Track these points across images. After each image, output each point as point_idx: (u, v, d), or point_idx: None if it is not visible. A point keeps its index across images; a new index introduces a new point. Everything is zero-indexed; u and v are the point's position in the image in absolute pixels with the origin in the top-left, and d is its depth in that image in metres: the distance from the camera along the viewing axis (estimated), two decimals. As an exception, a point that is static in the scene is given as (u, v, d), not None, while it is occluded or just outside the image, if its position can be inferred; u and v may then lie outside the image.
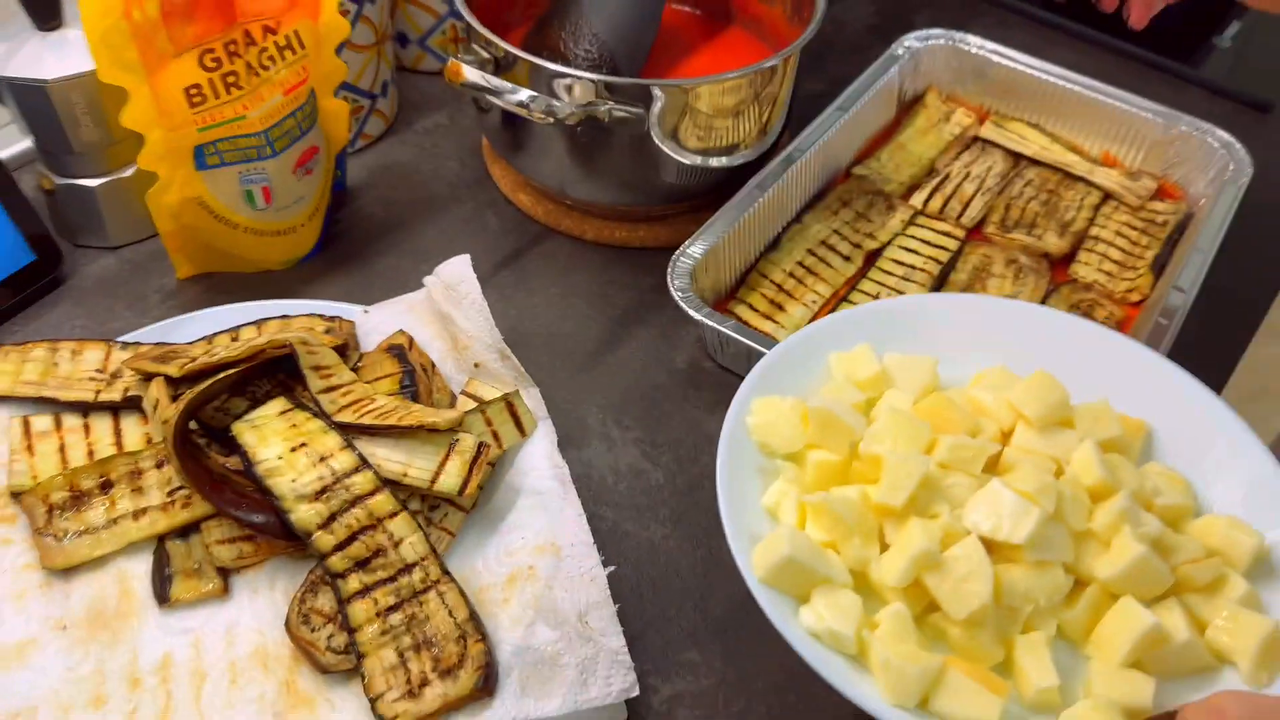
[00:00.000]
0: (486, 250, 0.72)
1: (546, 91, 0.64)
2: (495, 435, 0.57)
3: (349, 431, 0.54)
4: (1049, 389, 0.49)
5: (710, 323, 0.61)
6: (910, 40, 0.81)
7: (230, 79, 0.60)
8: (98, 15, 0.54)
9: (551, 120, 0.62)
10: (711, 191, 0.72)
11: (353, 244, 0.72)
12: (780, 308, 0.69)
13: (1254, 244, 0.76)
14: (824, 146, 0.74)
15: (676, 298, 0.62)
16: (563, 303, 0.70)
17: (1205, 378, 0.67)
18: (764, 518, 0.47)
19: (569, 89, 0.64)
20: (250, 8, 0.60)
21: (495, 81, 0.62)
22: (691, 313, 0.62)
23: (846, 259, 0.72)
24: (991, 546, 0.44)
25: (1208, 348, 0.69)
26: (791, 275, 0.71)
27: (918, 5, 0.96)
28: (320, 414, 0.55)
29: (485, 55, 0.66)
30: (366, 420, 0.54)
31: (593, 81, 0.63)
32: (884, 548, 0.45)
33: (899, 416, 0.48)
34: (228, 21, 0.59)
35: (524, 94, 0.62)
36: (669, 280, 0.63)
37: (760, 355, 0.61)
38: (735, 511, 0.46)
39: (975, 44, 0.82)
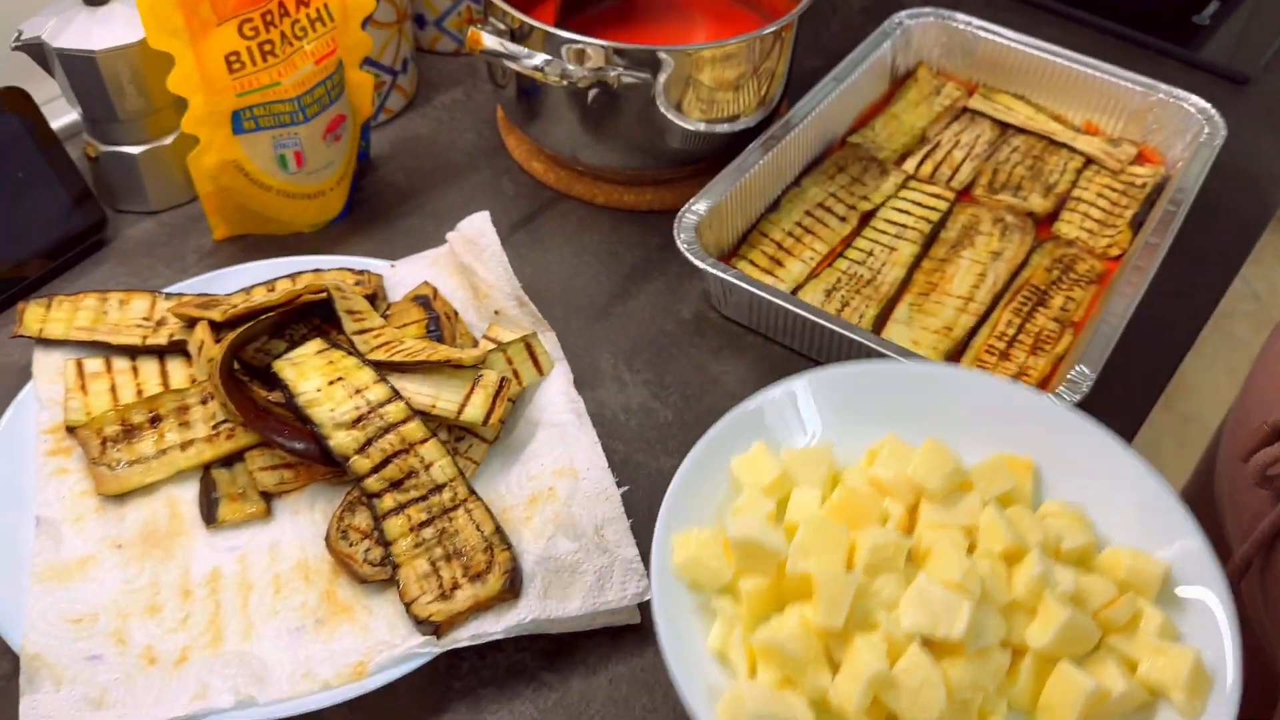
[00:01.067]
0: (502, 213, 0.77)
1: (560, 59, 0.69)
2: (515, 373, 0.61)
3: (381, 368, 0.59)
4: (942, 458, 0.50)
5: (715, 271, 0.66)
6: (902, 17, 0.86)
7: (266, 47, 0.65)
8: (147, -15, 0.59)
9: (565, 83, 0.66)
10: (714, 157, 0.77)
11: (377, 208, 0.77)
12: (780, 263, 0.73)
13: (1227, 203, 0.81)
14: (820, 115, 0.79)
15: (683, 249, 0.67)
16: (575, 260, 0.74)
17: (1176, 333, 0.72)
18: (714, 664, 0.47)
19: (581, 55, 0.68)
20: (285, -19, 0.64)
21: (513, 47, 0.66)
22: (697, 262, 0.66)
23: (842, 219, 0.77)
24: (931, 643, 0.45)
25: (1180, 303, 0.74)
26: (790, 234, 0.75)
27: (910, -13, 1.01)
28: (354, 353, 0.59)
29: (502, 27, 0.71)
30: (397, 358, 0.59)
31: (603, 47, 0.68)
32: (833, 666, 0.46)
33: (817, 528, 0.47)
34: (265, -7, 0.64)
35: (540, 58, 0.66)
36: (675, 234, 0.67)
37: (763, 303, 0.65)
38: (684, 664, 0.45)
39: (963, 20, 0.86)
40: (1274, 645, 0.57)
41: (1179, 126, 0.80)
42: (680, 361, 0.68)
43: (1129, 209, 0.77)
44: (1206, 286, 0.75)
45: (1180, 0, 1.01)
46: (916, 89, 0.87)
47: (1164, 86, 0.81)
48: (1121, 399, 0.66)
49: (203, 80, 0.64)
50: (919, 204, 0.77)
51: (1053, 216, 0.77)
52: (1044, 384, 0.66)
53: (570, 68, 0.66)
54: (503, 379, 0.58)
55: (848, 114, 0.83)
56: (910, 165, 0.81)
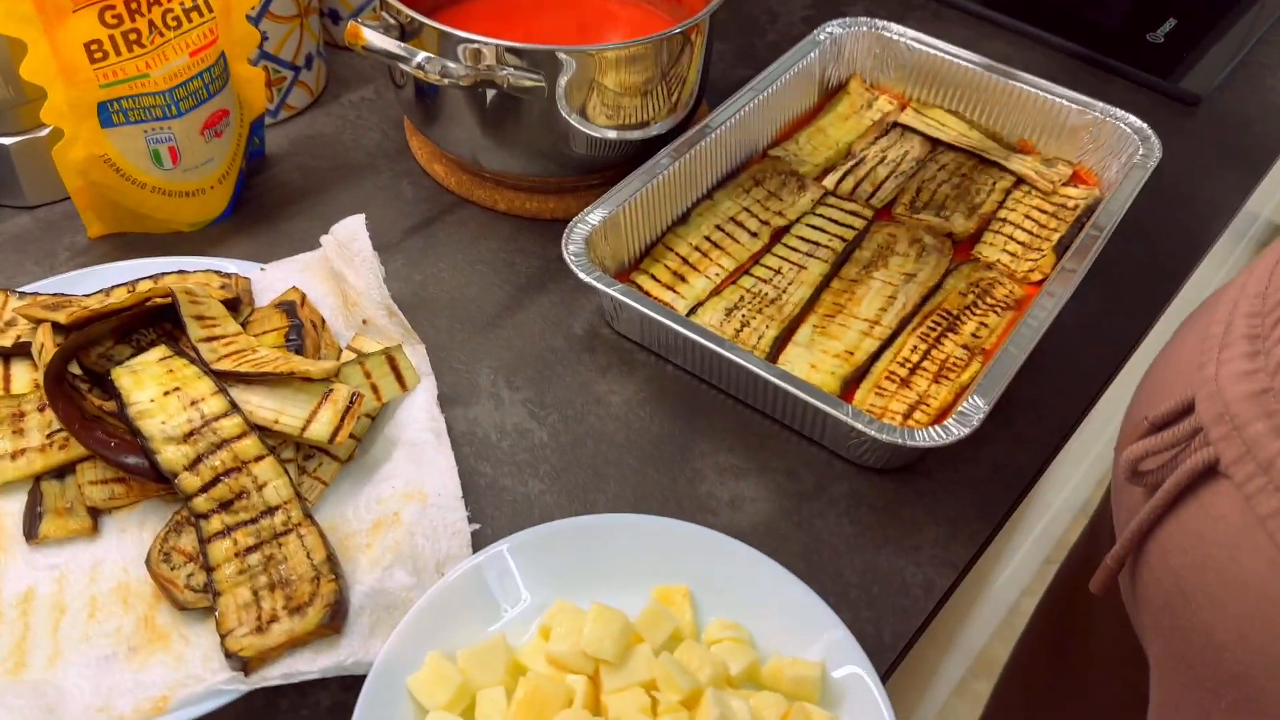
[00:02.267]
0: (398, 217, 0.73)
1: (452, 58, 0.65)
2: (375, 388, 0.58)
3: (226, 379, 0.55)
4: (609, 620, 0.48)
5: (601, 286, 0.62)
6: (832, 26, 0.82)
7: (132, 36, 0.61)
8: (-8, -34, 0.56)
9: (447, 82, 0.63)
10: (625, 164, 0.73)
11: (265, 208, 0.73)
12: (683, 279, 0.70)
13: (1163, 228, 0.77)
14: (739, 125, 0.75)
15: (569, 261, 0.63)
16: (469, 270, 0.71)
17: (1105, 357, 0.68)
18: None
19: (474, 55, 0.65)
20: (153, -33, 0.61)
21: (392, 44, 0.63)
22: (583, 276, 0.62)
23: (754, 235, 0.73)
24: None
25: (1109, 327, 0.70)
26: (697, 249, 0.71)
27: (852, -3, 0.98)
28: (199, 361, 0.56)
29: (392, 22, 0.67)
30: (244, 369, 0.55)
31: (495, 46, 0.64)
32: None
33: None
34: (130, -21, 0.60)
35: (421, 56, 0.63)
36: (563, 245, 0.64)
37: (654, 322, 0.61)
38: None
39: (897, 31, 0.82)
40: (1146, 646, 0.53)
41: (1115, 146, 0.76)
42: (565, 379, 0.64)
43: (1056, 232, 0.74)
44: (1131, 315, 0.71)
45: (1136, 17, 0.97)
46: (847, 102, 0.84)
47: (1100, 105, 0.77)
48: (1029, 433, 0.63)
49: (60, 69, 0.60)
50: (834, 221, 0.74)
51: (975, 238, 0.74)
52: (943, 414, 0.62)
53: (452, 66, 0.63)
54: (355, 394, 0.55)
55: (771, 125, 0.80)
56: (830, 181, 0.77)
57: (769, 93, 0.77)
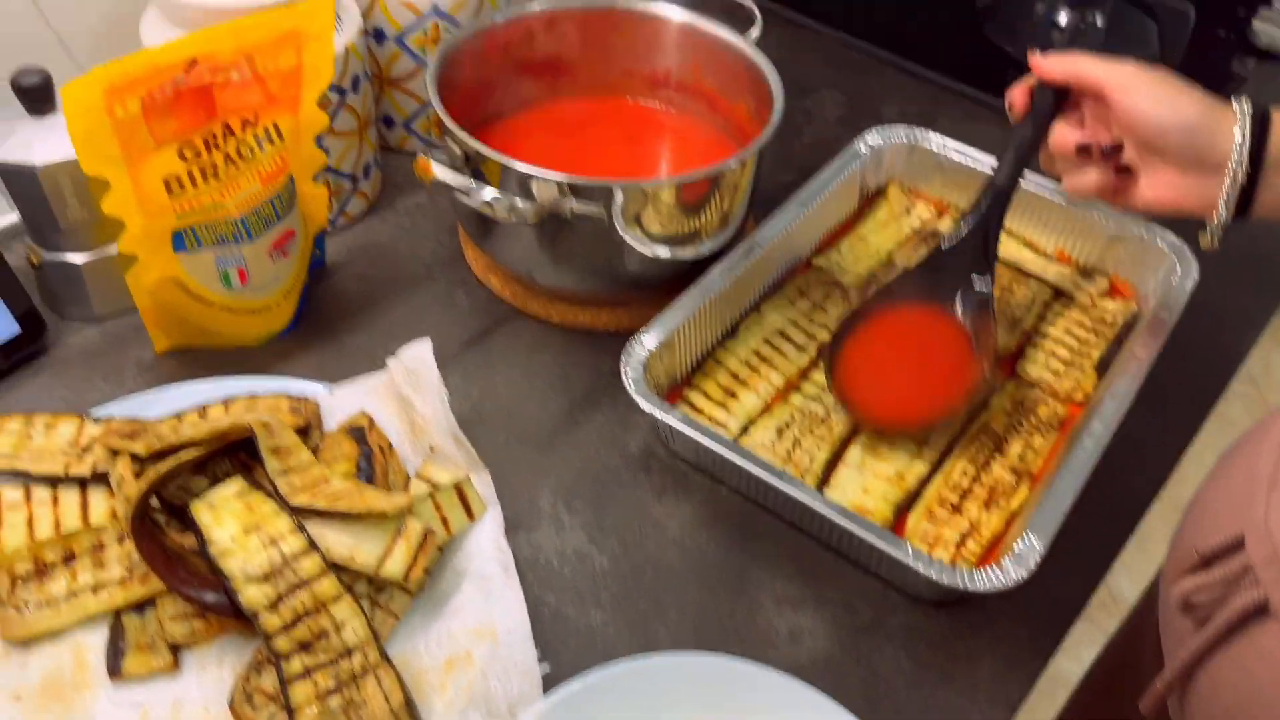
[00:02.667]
0: (455, 329, 0.75)
1: (514, 186, 0.67)
2: (444, 520, 0.59)
3: (302, 514, 0.57)
4: None
5: (658, 413, 0.64)
6: (872, 136, 0.85)
7: (208, 170, 0.63)
8: (81, 112, 0.58)
9: (514, 219, 0.65)
10: (676, 279, 0.75)
11: (327, 320, 0.75)
12: (733, 395, 0.71)
13: (1196, 344, 0.78)
14: (785, 238, 0.77)
15: (629, 387, 0.65)
16: (525, 383, 0.72)
17: (1145, 480, 0.70)
18: None
19: (534, 186, 0.67)
20: (230, 104, 0.63)
21: (461, 180, 0.65)
22: (641, 403, 0.64)
23: (800, 349, 0.75)
24: None
25: (1148, 447, 0.71)
26: (746, 364, 0.73)
27: (886, 96, 1.00)
28: (275, 495, 0.57)
29: (457, 151, 0.69)
30: (319, 504, 0.57)
31: (556, 181, 0.66)
32: None
33: None
34: (208, 116, 0.62)
35: (489, 193, 0.65)
36: (622, 369, 0.65)
37: (706, 450, 0.63)
38: None
39: (936, 141, 0.85)
40: None
41: (1151, 262, 0.78)
42: (622, 501, 0.66)
43: (1096, 348, 0.75)
44: (1169, 434, 0.73)
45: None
46: (886, 208, 0.86)
47: (1137, 220, 0.79)
48: (1076, 561, 0.64)
49: (140, 202, 0.62)
50: (880, 335, 0.76)
51: (1017, 354, 0.76)
52: (995, 543, 0.64)
53: (520, 203, 0.65)
54: (427, 531, 0.56)
55: (814, 234, 0.82)
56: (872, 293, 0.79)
57: (812, 206, 0.79)
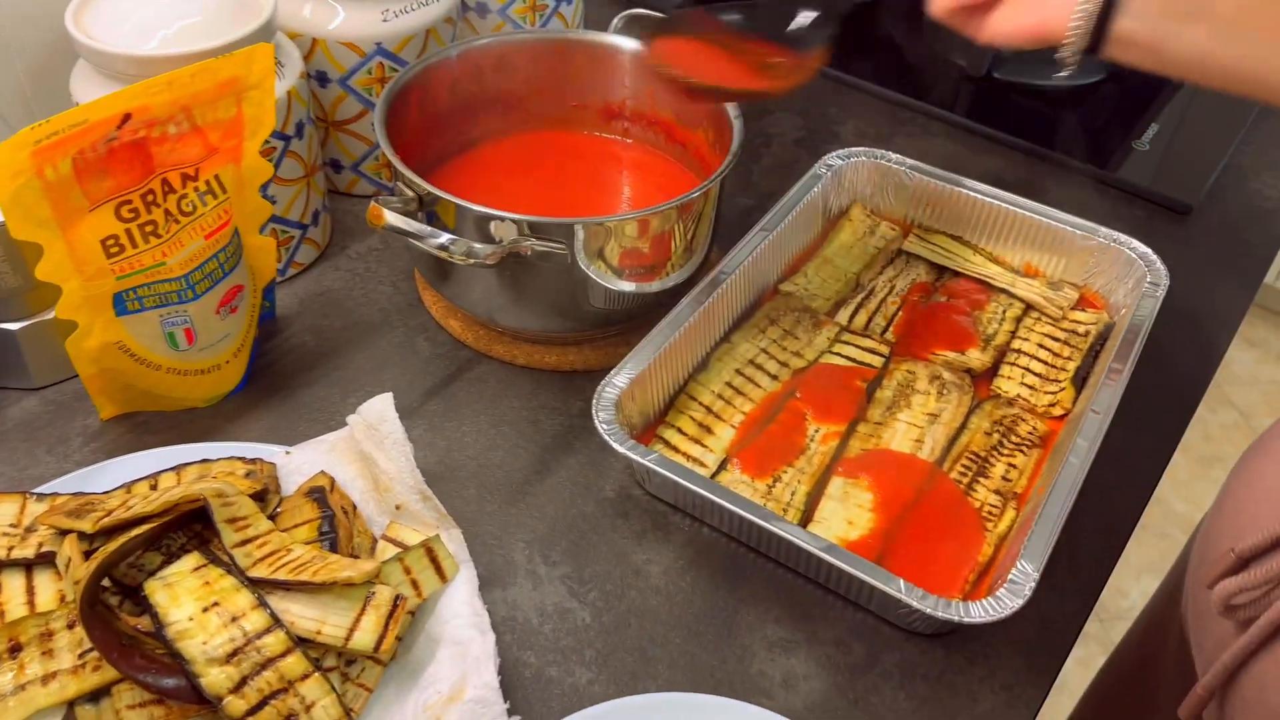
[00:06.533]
0: (416, 377, 0.73)
1: (471, 228, 0.65)
2: (415, 583, 0.56)
3: (263, 587, 0.54)
4: None
5: (633, 456, 0.62)
6: (833, 158, 0.83)
7: (148, 228, 0.60)
8: (8, 175, 0.54)
9: (472, 263, 0.63)
10: (643, 313, 0.73)
11: (281, 375, 0.72)
12: (709, 430, 0.69)
13: (1171, 350, 0.78)
14: (750, 266, 0.75)
15: (601, 430, 0.62)
16: (492, 431, 0.70)
17: (1132, 493, 0.68)
18: None
19: (493, 227, 0.65)
20: (169, 158, 0.60)
21: (415, 225, 0.62)
22: (616, 446, 0.62)
23: (774, 378, 0.73)
24: None
25: (1132, 458, 0.70)
26: (720, 396, 0.71)
27: (842, 116, 0.99)
28: (234, 569, 0.54)
29: (410, 193, 0.67)
30: (281, 575, 0.54)
31: (515, 221, 0.64)
32: None
33: None
34: (145, 172, 0.60)
35: (444, 238, 0.62)
36: (593, 411, 0.63)
37: (684, 487, 0.61)
38: None
39: (896, 160, 0.84)
40: None
41: (1120, 271, 0.78)
42: (601, 549, 0.63)
43: (1072, 360, 0.74)
44: (1153, 443, 0.72)
45: (1120, 125, 1.00)
46: (850, 229, 0.84)
47: (1104, 230, 0.78)
48: (1068, 581, 0.63)
49: (77, 266, 0.59)
50: (853, 359, 0.74)
51: (992, 370, 0.74)
52: (987, 569, 0.62)
53: (478, 246, 0.62)
54: (398, 597, 0.54)
55: (780, 260, 0.80)
56: (844, 316, 0.78)
57: (776, 231, 0.77)
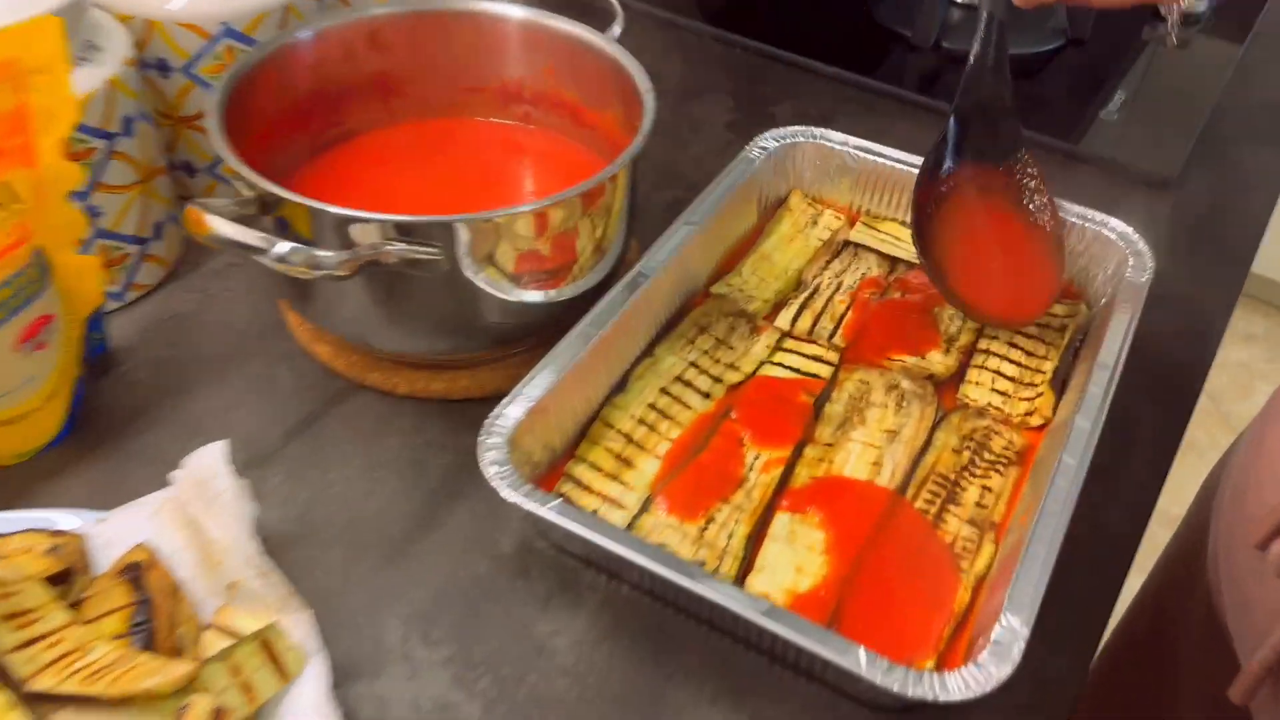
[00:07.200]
0: (276, 416, 0.61)
1: (331, 234, 0.53)
2: (246, 686, 0.44)
3: (46, 702, 0.42)
4: None
5: (528, 504, 0.50)
6: (766, 140, 0.73)
7: (-96, 250, 0.48)
8: None
9: (320, 275, 0.51)
10: (549, 326, 0.62)
11: (111, 422, 0.60)
12: (629, 463, 0.58)
13: (1161, 341, 0.68)
14: (675, 264, 0.64)
15: (488, 474, 0.51)
16: (367, 477, 0.58)
17: (1128, 523, 0.58)
18: None
19: (353, 232, 0.53)
20: (-71, 160, 0.48)
21: (246, 234, 0.50)
22: (505, 494, 0.50)
23: (706, 396, 0.62)
24: None
25: (1125, 478, 0.60)
26: (641, 422, 0.60)
27: (778, 96, 0.88)
28: (7, 680, 0.42)
29: (247, 194, 0.55)
30: (69, 687, 0.42)
31: (380, 222, 0.53)
32: None
33: None
34: (-104, 179, 0.47)
35: (283, 247, 0.50)
36: (479, 453, 0.52)
37: (593, 542, 0.50)
38: None
39: (838, 140, 0.73)
40: None
41: (1098, 254, 0.68)
42: (497, 621, 0.52)
43: (1048, 361, 0.64)
44: (1146, 452, 0.62)
45: (1083, 94, 0.90)
46: (790, 220, 0.73)
47: (1076, 208, 0.68)
48: (1061, 630, 0.52)
49: None
50: (798, 370, 0.63)
51: (958, 376, 0.64)
52: (965, 619, 0.51)
53: (321, 255, 0.51)
54: (219, 710, 0.42)
55: (710, 257, 0.69)
56: (785, 319, 0.67)
57: (702, 225, 0.66)
